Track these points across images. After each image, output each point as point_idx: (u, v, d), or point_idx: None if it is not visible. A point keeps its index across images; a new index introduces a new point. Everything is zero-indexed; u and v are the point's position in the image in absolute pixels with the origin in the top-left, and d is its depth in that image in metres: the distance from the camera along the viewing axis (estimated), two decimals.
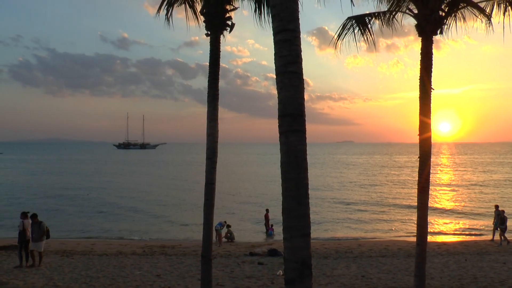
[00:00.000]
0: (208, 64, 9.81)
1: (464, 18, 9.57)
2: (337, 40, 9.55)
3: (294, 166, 4.44)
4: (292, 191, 4.43)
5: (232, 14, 9.75)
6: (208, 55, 9.79)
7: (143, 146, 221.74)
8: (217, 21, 9.59)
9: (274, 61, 4.68)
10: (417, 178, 9.44)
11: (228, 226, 22.77)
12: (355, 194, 42.94)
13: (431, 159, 9.46)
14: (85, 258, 16.49)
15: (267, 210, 25.28)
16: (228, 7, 9.68)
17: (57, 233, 25.14)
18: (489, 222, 24.30)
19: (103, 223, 28.13)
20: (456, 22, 9.58)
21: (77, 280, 12.72)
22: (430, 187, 9.81)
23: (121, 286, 12.18)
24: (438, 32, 9.27)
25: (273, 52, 4.62)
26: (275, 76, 4.69)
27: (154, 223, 28.02)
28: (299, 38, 4.58)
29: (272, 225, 24.56)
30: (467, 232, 25.26)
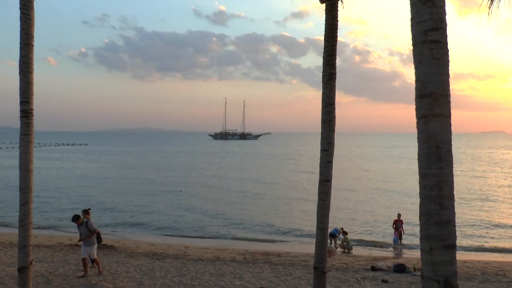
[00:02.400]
0: (321, 37, 9.84)
1: None
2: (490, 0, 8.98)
3: (435, 159, 4.31)
4: (432, 190, 4.30)
5: None
6: (321, 27, 9.82)
7: (244, 136, 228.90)
8: None
9: (410, 28, 4.56)
10: None
11: (345, 233, 22.68)
12: (505, 200, 40.18)
13: None
14: (178, 262, 17.46)
15: (398, 215, 24.55)
16: None
17: (147, 230, 27.18)
18: None
19: (197, 221, 29.62)
20: None
21: (170, 286, 13.56)
22: None
23: None
24: None
25: (404, 18, 4.52)
26: (411, 48, 4.58)
27: (256, 225, 28.80)
28: None
29: (402, 231, 23.88)
30: None
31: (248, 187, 46.88)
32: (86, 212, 15.04)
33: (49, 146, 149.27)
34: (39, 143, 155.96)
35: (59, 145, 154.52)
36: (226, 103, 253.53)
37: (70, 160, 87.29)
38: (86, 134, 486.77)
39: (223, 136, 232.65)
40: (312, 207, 33.96)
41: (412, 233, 25.08)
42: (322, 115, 9.79)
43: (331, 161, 9.77)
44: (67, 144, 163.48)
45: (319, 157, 9.96)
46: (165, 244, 22.83)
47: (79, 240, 14.82)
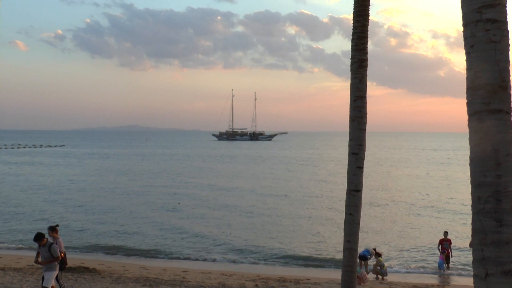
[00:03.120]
0: (349, 16, 9.85)
1: None
2: None
3: (491, 164, 4.29)
4: (488, 203, 4.28)
5: None
6: (349, 4, 9.82)
7: (254, 136, 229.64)
8: None
9: (460, 4, 4.54)
10: None
11: (378, 254, 22.62)
12: None
13: None
14: None
15: (445, 234, 24.44)
16: None
17: (136, 251, 27.26)
18: None
19: (198, 240, 29.67)
20: None
21: None
22: None
23: None
24: None
25: None
26: (461, 29, 4.55)
27: (268, 245, 28.81)
28: None
29: (449, 253, 23.79)
30: None
31: (259, 200, 46.96)
32: (53, 229, 14.76)
33: (17, 148, 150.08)
34: (5, 145, 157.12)
35: (30, 147, 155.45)
36: (233, 96, 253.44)
37: (43, 165, 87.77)
38: (64, 133, 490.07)
39: (230, 136, 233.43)
40: (337, 224, 33.92)
41: (463, 256, 24.91)
42: (350, 111, 9.81)
43: (362, 167, 9.78)
44: (40, 146, 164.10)
45: (346, 163, 9.97)
46: (159, 268, 22.93)
47: (36, 261, 14.53)
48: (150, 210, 40.74)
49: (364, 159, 9.90)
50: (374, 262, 22.60)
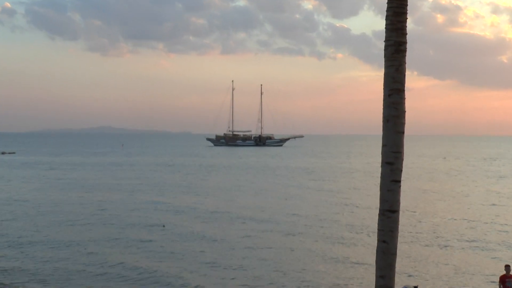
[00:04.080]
0: None
1: None
2: None
3: None
4: None
5: None
6: None
7: (261, 141, 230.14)
8: None
9: None
10: None
11: None
12: None
13: None
14: None
15: (507, 268, 24.45)
16: None
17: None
18: None
19: (189, 275, 29.79)
20: None
21: None
22: None
23: None
24: None
25: None
26: None
27: (277, 283, 28.88)
28: None
29: None
30: None
31: (264, 226, 46.79)
32: None
33: None
34: None
35: None
36: (233, 89, 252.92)
37: None
38: (14, 136, 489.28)
39: (229, 140, 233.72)
40: (366, 254, 33.87)
41: None
42: (384, 109, 9.83)
43: (399, 181, 9.79)
44: None
45: (378, 175, 10.00)
46: None
47: None
48: (129, 234, 40.78)
49: (402, 171, 9.91)
50: None
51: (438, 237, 41.10)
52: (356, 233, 42.28)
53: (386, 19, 9.87)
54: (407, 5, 9.74)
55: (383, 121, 9.85)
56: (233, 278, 29.79)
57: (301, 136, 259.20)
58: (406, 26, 9.81)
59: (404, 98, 9.69)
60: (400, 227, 9.92)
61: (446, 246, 37.99)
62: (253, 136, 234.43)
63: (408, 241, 37.69)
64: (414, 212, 51.35)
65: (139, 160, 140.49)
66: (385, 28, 9.89)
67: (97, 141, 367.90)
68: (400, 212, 9.90)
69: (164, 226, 44.45)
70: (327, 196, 66.19)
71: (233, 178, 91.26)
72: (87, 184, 77.45)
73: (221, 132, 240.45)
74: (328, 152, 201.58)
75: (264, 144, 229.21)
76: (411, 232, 41.29)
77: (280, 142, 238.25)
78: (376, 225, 10.08)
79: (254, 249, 36.68)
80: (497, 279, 24.85)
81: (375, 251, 10.29)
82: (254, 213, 51.62)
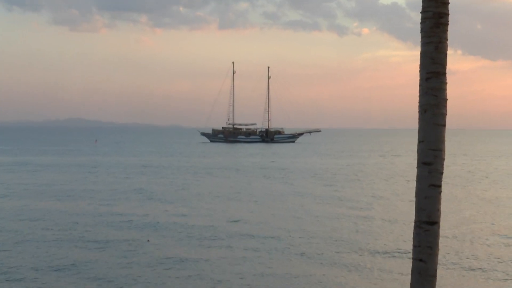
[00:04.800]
0: None
1: None
2: None
3: None
4: None
5: None
6: None
7: (268, 136, 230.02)
8: None
9: None
10: None
11: None
12: None
13: None
14: None
15: None
16: None
17: None
18: None
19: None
20: None
21: None
22: None
23: None
24: None
25: None
26: None
27: None
28: None
29: None
30: None
31: (267, 246, 46.85)
32: None
33: None
34: None
35: None
36: (234, 73, 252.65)
37: None
38: None
39: (229, 135, 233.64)
40: (396, 278, 33.92)
41: None
42: (420, 96, 9.79)
43: (439, 186, 9.74)
44: None
45: (412, 178, 9.97)
46: None
47: None
48: (108, 249, 40.88)
49: (442, 173, 9.85)
50: None
51: (477, 258, 41.10)
52: (383, 253, 42.34)
53: None
54: None
55: (419, 111, 9.81)
56: None
57: (318, 131, 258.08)
58: None
59: (446, 83, 9.64)
60: (440, 241, 9.88)
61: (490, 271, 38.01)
62: (258, 130, 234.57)
63: (448, 262, 37.72)
64: (455, 220, 51.40)
65: (117, 161, 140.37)
66: None
67: (64, 136, 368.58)
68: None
69: (148, 240, 44.58)
70: (346, 208, 65.80)
71: (233, 183, 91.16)
72: (51, 192, 77.01)
73: (219, 126, 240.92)
74: (350, 151, 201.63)
75: (272, 140, 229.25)
76: (448, 253, 41.25)
77: (292, 137, 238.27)
78: (411, 241, 10.03)
79: (257, 277, 36.70)
80: None
81: (409, 272, 10.25)
82: (256, 230, 51.53)
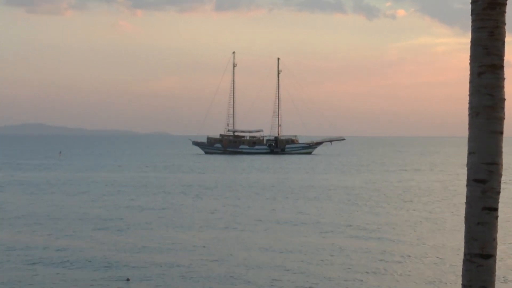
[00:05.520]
0: None
1: None
2: None
3: None
4: None
5: None
6: None
7: (278, 145, 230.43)
8: None
9: None
10: None
11: None
12: None
13: None
14: None
15: None
16: None
17: None
18: None
19: None
20: None
21: None
22: None
23: None
24: None
25: None
26: None
27: None
28: None
29: None
30: None
31: (273, 274, 47.05)
32: None
33: None
34: None
35: None
36: (235, 65, 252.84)
37: None
38: None
39: (229, 145, 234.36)
40: None
41: None
42: (471, 95, 9.76)
43: (495, 209, 9.71)
44: None
45: (461, 200, 9.97)
46: None
47: None
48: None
49: (499, 193, 9.79)
50: None
51: None
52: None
53: None
54: None
55: (469, 115, 9.75)
56: None
57: (341, 139, 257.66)
58: None
59: (504, 79, 9.56)
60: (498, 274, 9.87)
61: None
62: (265, 138, 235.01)
63: None
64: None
65: (88, 177, 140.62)
66: None
67: (20, 146, 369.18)
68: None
69: (128, 279, 44.78)
70: (371, 242, 65.75)
71: (232, 207, 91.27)
72: (6, 217, 77.29)
73: (216, 133, 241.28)
74: (381, 163, 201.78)
75: (282, 151, 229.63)
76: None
77: (308, 147, 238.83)
78: (460, 278, 10.04)
79: None
80: None
81: None
82: (259, 273, 51.60)
